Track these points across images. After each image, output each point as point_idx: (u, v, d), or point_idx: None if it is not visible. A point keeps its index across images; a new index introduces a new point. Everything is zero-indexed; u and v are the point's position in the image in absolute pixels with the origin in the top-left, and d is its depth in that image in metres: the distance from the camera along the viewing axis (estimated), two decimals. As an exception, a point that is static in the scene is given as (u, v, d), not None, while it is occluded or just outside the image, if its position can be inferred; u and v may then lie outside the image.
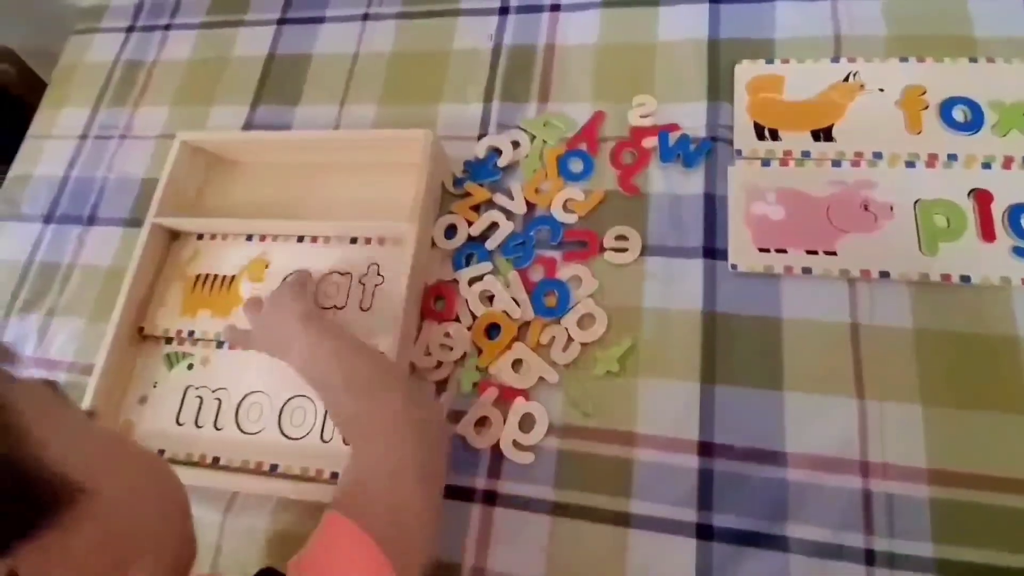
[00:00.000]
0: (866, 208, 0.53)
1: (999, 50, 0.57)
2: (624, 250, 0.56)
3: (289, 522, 0.52)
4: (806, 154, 0.56)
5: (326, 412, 0.54)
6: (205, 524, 0.53)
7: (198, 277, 0.63)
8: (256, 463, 0.54)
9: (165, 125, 0.75)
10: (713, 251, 0.55)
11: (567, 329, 0.54)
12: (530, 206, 0.60)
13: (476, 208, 0.61)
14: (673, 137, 0.59)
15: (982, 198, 0.52)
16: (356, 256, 0.59)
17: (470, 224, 0.60)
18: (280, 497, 0.53)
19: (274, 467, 0.53)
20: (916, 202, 0.53)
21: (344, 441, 0.52)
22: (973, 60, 0.57)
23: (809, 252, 0.53)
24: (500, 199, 0.61)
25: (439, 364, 0.56)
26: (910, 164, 0.54)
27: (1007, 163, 0.53)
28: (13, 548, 0.22)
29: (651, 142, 0.59)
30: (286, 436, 0.55)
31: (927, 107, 0.56)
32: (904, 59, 0.58)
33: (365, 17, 0.74)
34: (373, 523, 0.34)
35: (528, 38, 0.68)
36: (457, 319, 0.57)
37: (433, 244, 0.60)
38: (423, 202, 0.57)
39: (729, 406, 0.50)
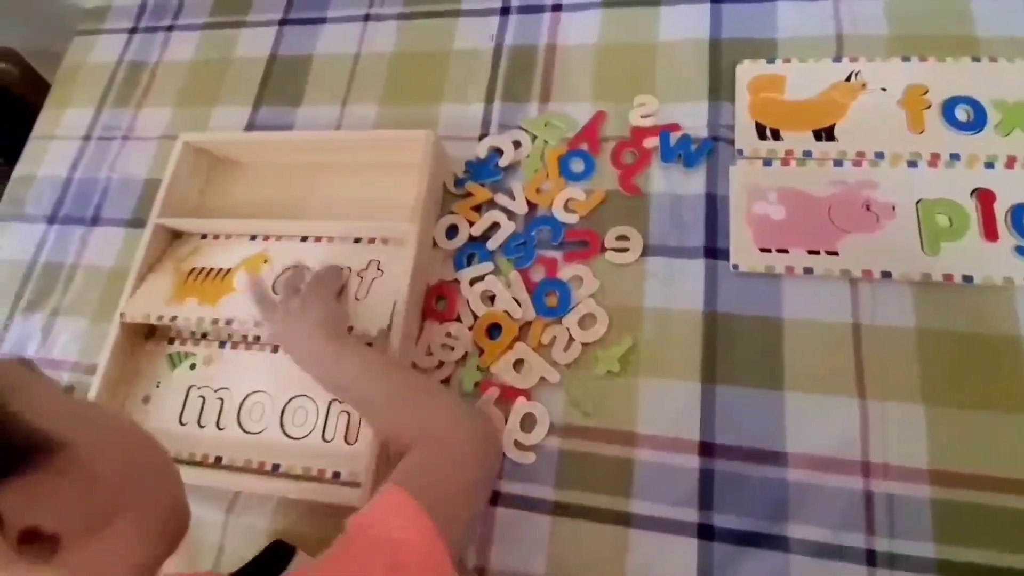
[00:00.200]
0: (868, 208, 0.53)
1: (1002, 49, 0.57)
2: (625, 250, 0.56)
3: (291, 521, 0.53)
4: (808, 154, 0.56)
5: (328, 407, 0.55)
6: (208, 524, 0.54)
7: (192, 270, 0.62)
8: (258, 463, 0.54)
9: (168, 126, 0.75)
10: (714, 251, 0.55)
11: (568, 329, 0.54)
12: (531, 206, 0.60)
13: (477, 208, 0.61)
14: (674, 137, 0.59)
15: (985, 198, 0.52)
16: (358, 254, 0.59)
17: (471, 224, 0.60)
18: (282, 497, 0.53)
19: (276, 467, 0.54)
20: (918, 202, 0.53)
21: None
22: (976, 59, 0.57)
23: (811, 252, 0.53)
24: (501, 199, 0.61)
25: (440, 364, 0.56)
26: (912, 164, 0.54)
27: (1010, 162, 0.53)
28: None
29: (652, 142, 0.59)
30: (288, 436, 0.55)
31: (929, 106, 0.55)
32: (906, 58, 0.58)
33: (366, 18, 0.75)
34: (428, 496, 0.36)
35: (529, 38, 0.68)
36: (458, 319, 0.57)
37: (434, 244, 0.60)
38: (424, 202, 0.57)
39: (730, 406, 0.50)
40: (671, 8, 0.65)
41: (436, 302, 0.58)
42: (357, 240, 0.60)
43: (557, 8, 0.69)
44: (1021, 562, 0.43)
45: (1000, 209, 0.51)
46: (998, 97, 0.55)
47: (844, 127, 0.56)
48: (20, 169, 0.78)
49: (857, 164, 0.55)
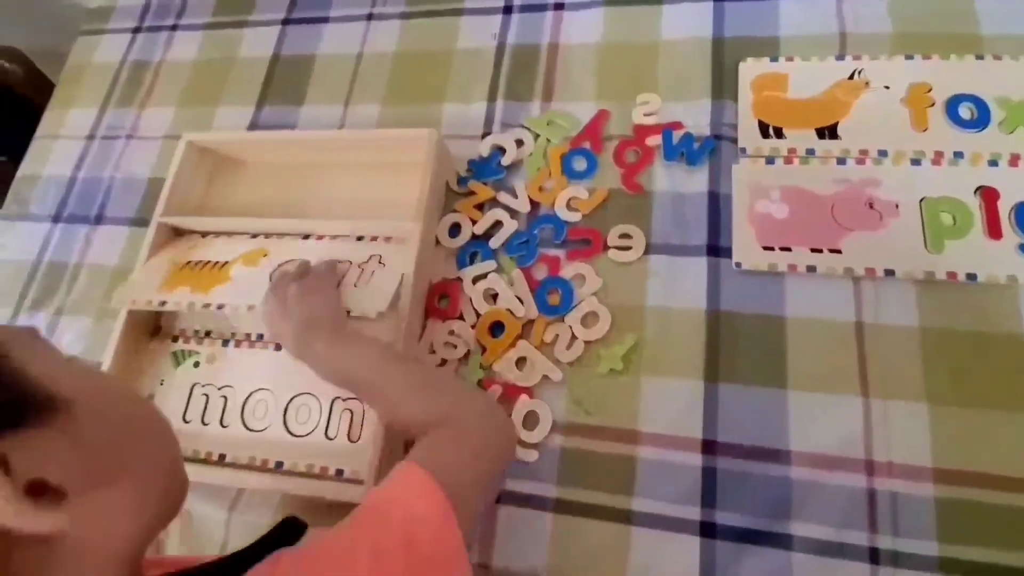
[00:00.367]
0: (871, 206, 0.53)
1: (1006, 47, 0.57)
2: (628, 248, 0.56)
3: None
4: (811, 152, 0.56)
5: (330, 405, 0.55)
6: (211, 521, 0.54)
7: (188, 262, 0.61)
8: (262, 460, 0.54)
9: (171, 125, 0.75)
10: (717, 249, 0.55)
11: (571, 327, 0.54)
12: (534, 204, 0.60)
13: (480, 207, 0.61)
14: (677, 135, 0.59)
15: (989, 196, 0.52)
16: (359, 251, 0.59)
17: (474, 223, 0.60)
18: (285, 494, 0.54)
19: (279, 464, 0.54)
20: (922, 200, 0.53)
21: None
22: (979, 57, 0.57)
23: (813, 250, 0.53)
24: (504, 198, 0.61)
25: (443, 362, 0.56)
26: (915, 162, 0.54)
27: (1014, 160, 0.53)
28: (4, 433, 0.24)
29: (655, 140, 0.59)
30: (291, 433, 0.55)
31: (933, 104, 0.55)
32: (910, 56, 0.57)
33: (369, 17, 0.75)
34: (444, 475, 0.36)
35: (532, 37, 0.68)
36: (461, 317, 0.57)
37: (437, 242, 0.60)
38: (427, 201, 0.57)
39: (733, 404, 0.50)
40: (674, 6, 0.65)
41: (439, 300, 0.58)
42: (360, 238, 0.60)
43: (559, 7, 0.69)
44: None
45: (1004, 207, 0.51)
46: (1002, 95, 0.55)
47: (847, 125, 0.56)
48: (24, 168, 0.79)
49: (860, 162, 0.55)
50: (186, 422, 0.57)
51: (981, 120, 0.54)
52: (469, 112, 0.66)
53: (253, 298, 0.55)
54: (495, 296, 0.57)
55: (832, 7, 0.61)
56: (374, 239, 0.60)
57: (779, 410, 0.49)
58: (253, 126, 0.72)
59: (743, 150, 0.57)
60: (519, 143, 0.63)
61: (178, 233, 0.66)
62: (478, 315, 0.57)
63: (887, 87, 0.57)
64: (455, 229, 0.61)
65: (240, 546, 0.38)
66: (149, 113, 0.77)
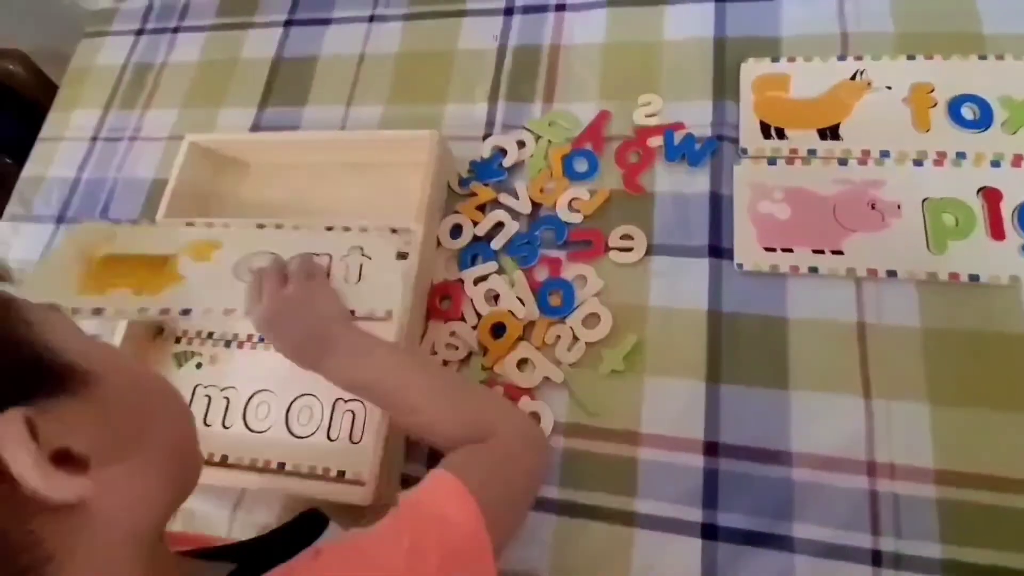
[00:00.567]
0: (873, 207, 0.53)
1: (1009, 47, 0.56)
2: (629, 249, 0.56)
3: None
4: (812, 153, 0.56)
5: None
6: (214, 521, 0.54)
7: (110, 258, 0.53)
8: (264, 461, 0.54)
9: (174, 127, 0.76)
10: (719, 250, 0.55)
11: (572, 328, 0.54)
12: (535, 206, 0.60)
13: (481, 208, 0.61)
14: (678, 136, 0.59)
15: (991, 196, 0.52)
16: (335, 242, 0.54)
17: (475, 224, 0.60)
18: (288, 495, 0.54)
19: (281, 465, 0.54)
20: (924, 200, 0.52)
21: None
22: (982, 57, 0.56)
23: (815, 251, 0.52)
24: (505, 199, 0.61)
25: (445, 363, 0.56)
26: (918, 162, 0.54)
27: (1017, 161, 0.53)
28: (33, 402, 0.24)
29: (656, 141, 0.59)
30: (293, 434, 0.55)
31: (935, 105, 0.55)
32: (912, 57, 0.57)
33: (371, 19, 0.75)
34: (477, 486, 0.35)
35: (533, 38, 0.68)
36: (463, 318, 0.57)
37: (439, 244, 0.60)
38: (429, 202, 0.57)
39: (734, 405, 0.50)
40: (675, 7, 0.65)
41: (440, 301, 0.58)
42: (330, 228, 0.55)
43: (561, 8, 0.69)
44: (1028, 562, 0.43)
45: (1007, 208, 0.51)
46: (1005, 95, 0.55)
47: (849, 126, 0.56)
48: (29, 170, 0.79)
49: (862, 163, 0.55)
50: (189, 423, 0.57)
51: (984, 120, 0.54)
52: (471, 113, 0.66)
53: (219, 300, 0.50)
54: (496, 297, 0.57)
55: (834, 8, 0.61)
56: (347, 229, 0.55)
57: (781, 411, 0.49)
58: (256, 127, 0.73)
59: (744, 151, 0.57)
60: (520, 144, 0.63)
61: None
62: (479, 316, 0.57)
63: (889, 87, 0.57)
64: (456, 230, 0.61)
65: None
66: (152, 114, 0.78)
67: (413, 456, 0.54)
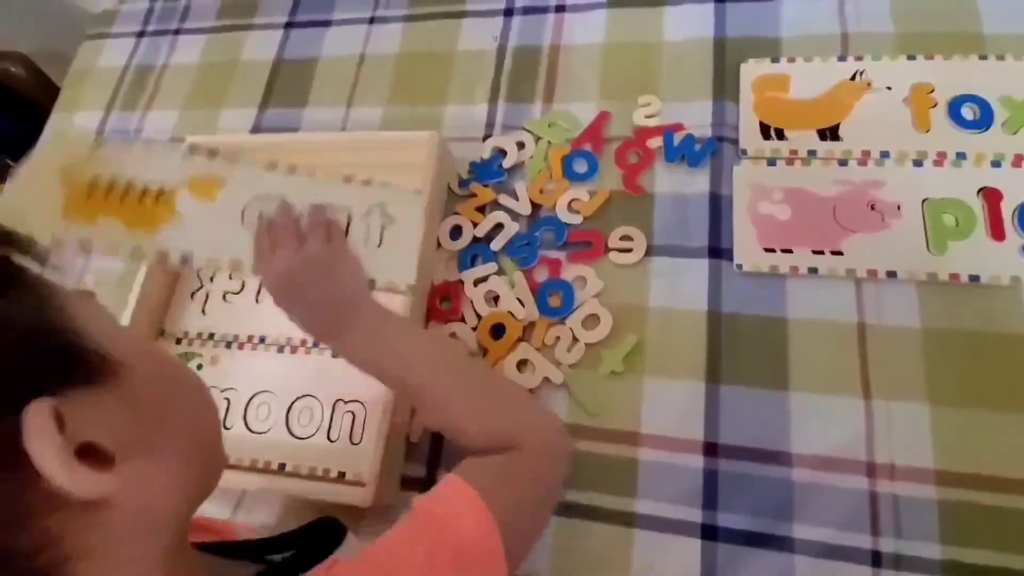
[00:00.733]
0: (873, 207, 0.53)
1: (1009, 47, 0.56)
2: (629, 250, 0.56)
3: (297, 520, 0.53)
4: (812, 153, 0.56)
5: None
6: (214, 522, 0.54)
7: (96, 181, 0.43)
8: (264, 462, 0.54)
9: (175, 128, 0.76)
10: (718, 251, 0.55)
11: (572, 329, 0.54)
12: (535, 207, 0.60)
13: (481, 209, 0.61)
14: (678, 137, 0.59)
15: (991, 197, 0.52)
16: (354, 197, 0.49)
17: (475, 225, 0.60)
18: (288, 496, 0.54)
19: (282, 466, 0.54)
20: (924, 201, 0.52)
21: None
22: (983, 57, 0.56)
23: (815, 252, 0.52)
24: (505, 200, 0.61)
25: (445, 364, 0.56)
26: (918, 163, 0.54)
27: (1017, 161, 0.52)
28: (60, 392, 0.23)
29: (656, 142, 0.59)
30: (293, 435, 0.55)
31: (935, 105, 0.55)
32: (912, 57, 0.57)
33: (371, 20, 0.75)
34: (495, 497, 0.34)
35: (533, 39, 0.68)
36: (463, 320, 0.57)
37: (439, 245, 0.61)
38: (429, 203, 0.57)
39: (734, 406, 0.50)
40: (675, 8, 0.65)
41: (440, 303, 0.58)
42: (348, 179, 0.50)
43: (561, 9, 0.69)
44: (1028, 563, 0.43)
45: (1007, 208, 0.51)
46: (1005, 95, 0.55)
47: (849, 126, 0.56)
48: (30, 172, 0.79)
49: (862, 163, 0.55)
50: (189, 424, 0.58)
51: (984, 121, 0.54)
52: (470, 114, 0.66)
53: (224, 248, 0.44)
54: (496, 298, 0.57)
55: (834, 8, 0.61)
56: (367, 183, 0.49)
57: (781, 412, 0.49)
58: (256, 129, 0.73)
59: (744, 151, 0.57)
60: (520, 145, 0.63)
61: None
62: (479, 317, 0.57)
63: (889, 88, 0.57)
64: (456, 231, 0.61)
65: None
66: (153, 116, 0.78)
67: (413, 457, 0.54)
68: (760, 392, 0.50)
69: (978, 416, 0.47)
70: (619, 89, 0.63)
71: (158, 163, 0.46)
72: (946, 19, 0.59)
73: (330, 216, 0.45)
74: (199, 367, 0.60)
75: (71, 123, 0.81)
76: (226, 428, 0.57)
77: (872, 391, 0.48)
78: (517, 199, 0.61)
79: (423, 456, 0.54)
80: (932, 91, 0.56)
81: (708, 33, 0.63)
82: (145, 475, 0.26)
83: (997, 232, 0.51)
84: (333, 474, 0.53)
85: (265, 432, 0.56)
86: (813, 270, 0.52)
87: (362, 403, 0.55)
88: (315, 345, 0.58)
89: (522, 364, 0.54)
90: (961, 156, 0.53)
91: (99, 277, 0.70)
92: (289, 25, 0.78)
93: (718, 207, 0.56)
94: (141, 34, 0.84)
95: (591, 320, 0.55)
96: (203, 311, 0.63)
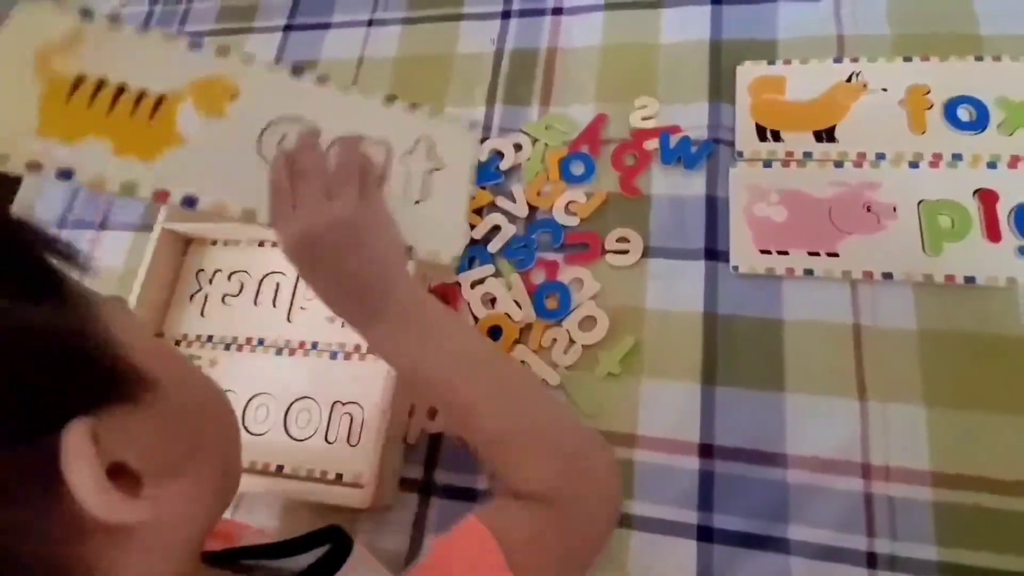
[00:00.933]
0: (869, 209, 0.53)
1: (1006, 47, 0.56)
2: (625, 252, 0.56)
3: (295, 523, 0.53)
4: (808, 155, 0.56)
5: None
6: (213, 524, 0.54)
7: (81, 81, 0.35)
8: (262, 464, 0.55)
9: (175, 131, 0.76)
10: (715, 253, 0.55)
11: (568, 331, 0.55)
12: (532, 209, 0.60)
13: (478, 211, 0.61)
14: (674, 139, 0.59)
15: (987, 198, 0.52)
16: (396, 125, 0.39)
17: (472, 227, 0.60)
18: (286, 498, 0.54)
19: (280, 468, 0.54)
20: (920, 203, 0.52)
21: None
22: (979, 59, 0.56)
23: (811, 253, 0.53)
24: (502, 202, 0.61)
25: (442, 366, 0.56)
26: (913, 164, 0.54)
27: (1013, 162, 0.52)
28: (97, 409, 0.22)
29: (653, 144, 0.60)
30: (292, 437, 0.56)
31: (931, 107, 0.55)
32: (908, 59, 0.57)
33: (370, 23, 0.75)
34: (522, 563, 0.29)
35: (530, 41, 0.68)
36: (460, 321, 0.57)
37: (436, 247, 0.61)
38: (426, 206, 0.58)
39: (730, 408, 0.50)
40: (672, 10, 0.65)
41: (438, 305, 0.59)
42: (391, 99, 0.41)
43: (558, 11, 0.69)
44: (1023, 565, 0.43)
45: (1003, 209, 0.51)
46: (1002, 96, 0.55)
47: (845, 128, 0.56)
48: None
49: (858, 165, 0.55)
50: (189, 426, 0.58)
51: (980, 122, 0.54)
52: (468, 117, 0.66)
53: (234, 186, 0.36)
54: (493, 300, 0.57)
55: (830, 10, 0.61)
56: (414, 108, 0.40)
57: (776, 413, 0.49)
58: (255, 132, 0.73)
59: (740, 153, 0.58)
60: (517, 147, 0.63)
61: (186, 240, 0.66)
62: (476, 319, 0.57)
63: (885, 89, 0.57)
64: (454, 233, 0.61)
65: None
66: (153, 119, 0.78)
67: (411, 458, 0.54)
68: (756, 394, 0.50)
69: (974, 418, 0.47)
70: (616, 91, 0.63)
71: (153, 59, 0.37)
72: (942, 21, 0.59)
73: (365, 157, 0.36)
74: (198, 369, 0.61)
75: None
76: (225, 430, 0.57)
77: (868, 393, 0.49)
78: (514, 201, 0.61)
79: (421, 457, 0.54)
80: (928, 92, 0.56)
81: (705, 35, 0.63)
82: (171, 497, 0.25)
83: (993, 233, 0.51)
84: (331, 476, 0.53)
85: (263, 434, 0.56)
86: (809, 272, 0.52)
87: (360, 405, 0.55)
88: (314, 347, 0.59)
89: (519, 366, 0.55)
90: (957, 157, 0.53)
91: (97, 279, 0.70)
92: (288, 28, 0.78)
93: (714, 209, 0.56)
94: (141, 37, 0.85)
95: (588, 322, 0.55)
96: (202, 313, 0.63)
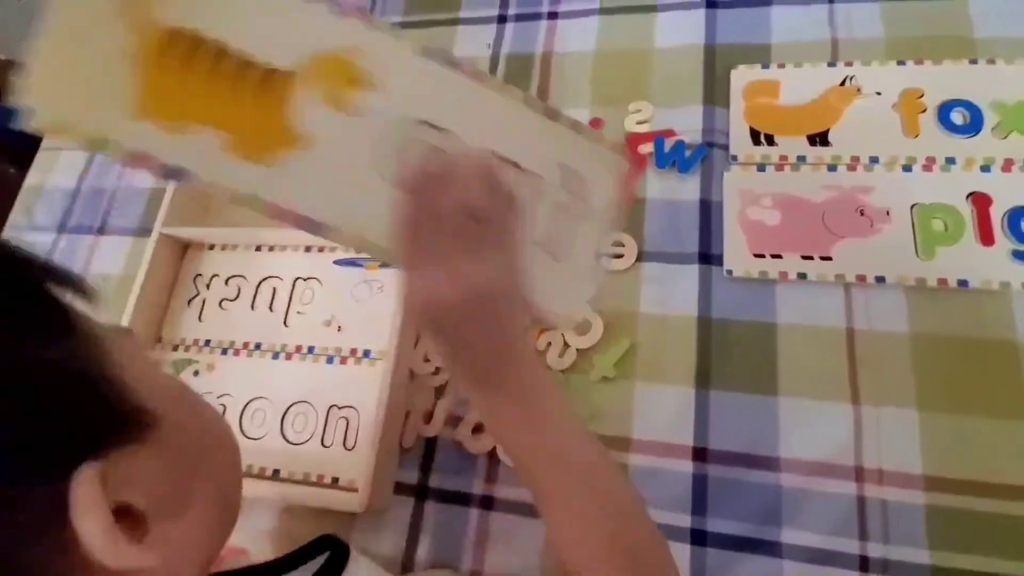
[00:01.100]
0: (862, 213, 0.53)
1: (1000, 50, 0.56)
2: (620, 256, 0.56)
3: (291, 526, 0.53)
4: (802, 159, 0.56)
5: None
6: (210, 527, 0.55)
7: (179, 35, 0.26)
8: (259, 468, 0.55)
9: (173, 136, 0.76)
10: (709, 257, 0.55)
11: (563, 335, 0.55)
12: (527, 213, 0.61)
13: (474, 215, 0.62)
14: (669, 143, 0.59)
15: (981, 201, 0.52)
16: (545, 143, 0.31)
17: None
18: (282, 502, 0.54)
19: (276, 472, 0.55)
20: (913, 206, 0.52)
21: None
22: (973, 61, 0.56)
23: (804, 257, 0.53)
24: (498, 206, 0.61)
25: (437, 370, 0.56)
26: (907, 168, 0.54)
27: (1007, 166, 0.53)
28: (104, 452, 0.22)
29: (647, 148, 0.60)
30: (288, 441, 0.56)
31: (924, 110, 0.55)
32: (901, 62, 0.57)
33: (366, 27, 0.75)
34: None
35: (526, 46, 0.69)
36: (455, 326, 0.58)
37: (432, 251, 0.61)
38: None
39: (724, 411, 0.50)
40: (667, 14, 0.65)
41: (433, 309, 0.59)
42: (553, 115, 0.32)
43: (553, 16, 0.69)
44: (1015, 569, 0.43)
45: (996, 213, 0.51)
46: (996, 99, 0.55)
47: (838, 132, 0.56)
48: (31, 179, 0.80)
49: (851, 169, 0.55)
50: (186, 430, 0.58)
51: (974, 125, 0.54)
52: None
53: (343, 202, 0.28)
54: (489, 304, 0.58)
55: (824, 14, 0.61)
56: (576, 128, 0.32)
57: (770, 417, 0.49)
58: (252, 136, 0.73)
59: (734, 157, 0.58)
60: (513, 152, 0.63)
61: (184, 244, 0.67)
62: (472, 323, 0.57)
63: (879, 93, 0.57)
64: (449, 238, 0.61)
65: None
66: (151, 124, 0.78)
67: (407, 462, 0.54)
68: (749, 397, 0.50)
69: (967, 422, 0.47)
70: (611, 95, 0.64)
71: (273, 22, 0.27)
72: (937, 24, 0.59)
73: (513, 199, 0.28)
74: (195, 373, 0.61)
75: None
76: (222, 434, 0.57)
77: (861, 396, 0.49)
78: (509, 205, 0.61)
79: (416, 462, 0.54)
80: (921, 96, 0.56)
81: (699, 39, 0.63)
82: (177, 538, 0.25)
83: (986, 237, 0.51)
84: (327, 480, 0.54)
85: (260, 438, 0.57)
86: (802, 275, 0.52)
87: (356, 409, 0.56)
88: (310, 351, 0.59)
89: (514, 370, 0.55)
90: (950, 161, 0.53)
91: (95, 283, 0.70)
92: (285, 33, 0.79)
93: (708, 213, 0.56)
94: (140, 43, 0.85)
95: (583, 325, 0.55)
96: (199, 318, 0.63)
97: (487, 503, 0.51)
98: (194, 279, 0.65)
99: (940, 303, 0.50)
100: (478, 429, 0.53)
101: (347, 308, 0.59)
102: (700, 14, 0.64)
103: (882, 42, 0.59)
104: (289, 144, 0.28)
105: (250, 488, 0.53)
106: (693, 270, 0.55)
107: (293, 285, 0.62)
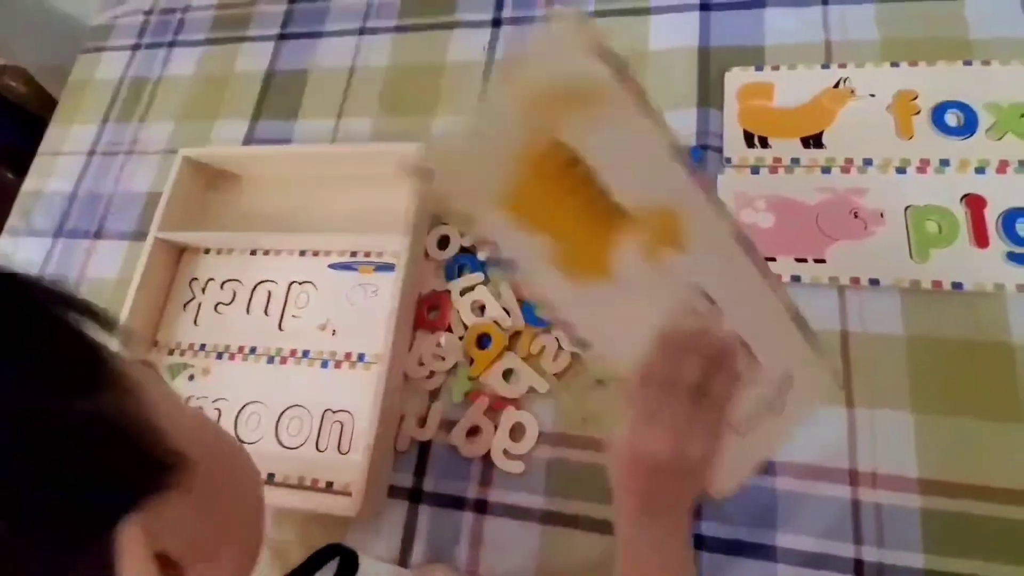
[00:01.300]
0: (856, 215, 0.53)
1: (995, 51, 0.56)
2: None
3: (286, 530, 0.53)
4: (796, 161, 0.56)
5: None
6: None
7: (562, 148, 0.27)
8: (254, 472, 0.55)
9: (170, 140, 0.77)
10: (703, 259, 0.55)
11: (557, 338, 0.55)
12: (522, 216, 0.61)
13: (469, 219, 0.62)
14: (663, 146, 0.59)
15: (975, 203, 0.52)
16: (782, 346, 0.33)
17: (462, 235, 0.61)
18: (278, 506, 0.54)
19: (271, 476, 0.55)
20: (907, 208, 0.52)
21: None
22: (968, 63, 0.56)
23: (798, 260, 0.53)
24: (492, 210, 0.61)
25: (432, 374, 0.56)
26: (901, 170, 0.54)
27: (1002, 167, 0.52)
28: (145, 501, 0.21)
29: (641, 151, 0.60)
30: (283, 445, 0.56)
31: (919, 112, 0.55)
32: (896, 64, 0.57)
33: (361, 32, 0.76)
34: None
35: (521, 49, 0.68)
36: (450, 329, 0.58)
37: (426, 255, 0.61)
38: (416, 214, 0.58)
39: (718, 415, 0.50)
40: (660, 17, 0.65)
41: (428, 312, 0.59)
42: (800, 321, 0.33)
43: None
44: (1010, 572, 0.42)
45: (991, 215, 0.51)
46: (991, 100, 0.55)
47: (832, 134, 0.56)
48: (28, 184, 0.80)
49: (845, 171, 0.55)
50: (181, 434, 0.58)
51: (968, 127, 0.54)
52: (460, 125, 0.66)
53: (619, 339, 0.31)
54: (483, 308, 0.58)
55: (818, 16, 0.61)
56: (811, 338, 0.33)
57: (764, 420, 0.49)
58: (249, 139, 0.73)
59: (728, 160, 0.58)
60: (507, 155, 0.63)
61: (180, 248, 0.67)
62: (466, 327, 0.57)
63: (872, 95, 0.57)
64: (444, 241, 0.61)
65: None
66: (148, 128, 0.79)
67: (400, 467, 0.54)
68: (744, 400, 0.50)
69: (961, 424, 0.47)
70: (605, 98, 0.63)
71: (636, 149, 0.28)
72: (931, 25, 0.59)
73: (738, 385, 0.31)
74: (191, 378, 0.61)
75: (68, 135, 0.82)
76: (217, 438, 0.57)
77: (855, 399, 0.49)
78: (504, 209, 0.61)
79: (410, 466, 0.54)
80: (916, 98, 0.56)
81: (693, 42, 0.63)
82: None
83: (981, 239, 0.51)
84: (321, 484, 0.54)
85: (255, 442, 0.57)
86: (796, 278, 0.52)
87: (350, 413, 0.56)
88: (305, 356, 0.59)
89: (508, 373, 0.55)
90: (944, 163, 0.53)
91: (91, 287, 0.71)
92: (281, 37, 0.79)
93: (703, 216, 0.56)
94: (136, 47, 0.85)
95: (577, 329, 0.55)
96: (195, 322, 0.64)
97: (481, 507, 0.51)
98: (190, 283, 0.65)
99: (934, 305, 0.50)
100: (472, 433, 0.53)
101: (342, 312, 0.60)
102: (694, 16, 0.64)
103: (876, 44, 0.59)
104: (600, 274, 0.29)
105: (244, 492, 0.53)
106: (687, 273, 0.55)
107: (288, 289, 0.62)
